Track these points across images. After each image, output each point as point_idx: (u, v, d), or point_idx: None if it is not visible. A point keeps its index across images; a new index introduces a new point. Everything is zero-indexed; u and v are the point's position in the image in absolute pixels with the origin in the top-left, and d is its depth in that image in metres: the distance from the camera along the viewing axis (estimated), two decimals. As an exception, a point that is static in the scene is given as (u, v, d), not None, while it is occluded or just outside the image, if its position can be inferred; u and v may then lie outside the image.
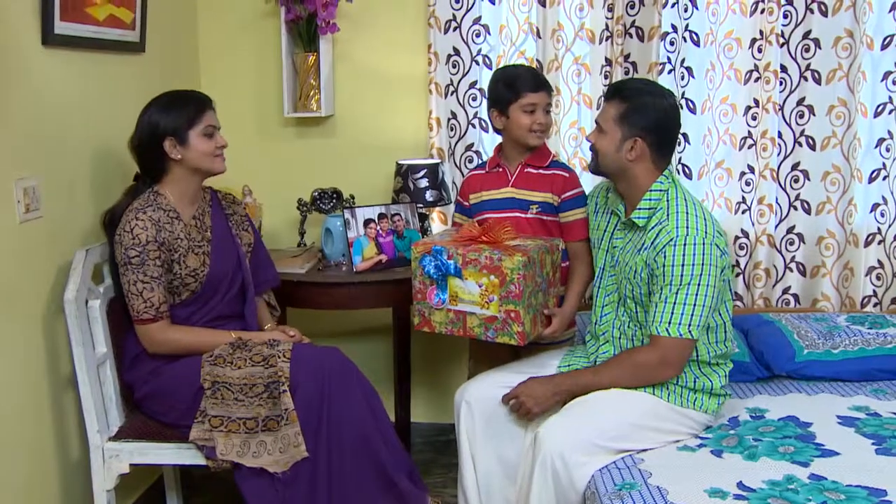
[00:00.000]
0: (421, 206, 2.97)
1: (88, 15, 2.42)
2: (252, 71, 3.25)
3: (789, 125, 2.99)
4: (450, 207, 3.08)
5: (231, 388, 2.23)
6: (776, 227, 3.05)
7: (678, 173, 3.07)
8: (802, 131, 2.99)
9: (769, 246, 3.05)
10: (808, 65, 2.95)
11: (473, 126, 3.14)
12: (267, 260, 2.66)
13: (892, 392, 2.50)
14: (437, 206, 3.04)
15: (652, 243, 2.15)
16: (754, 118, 3.00)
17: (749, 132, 3.03)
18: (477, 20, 3.08)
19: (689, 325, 2.08)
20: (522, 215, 2.48)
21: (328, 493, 2.23)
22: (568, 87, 3.11)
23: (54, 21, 2.26)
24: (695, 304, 2.08)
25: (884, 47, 2.92)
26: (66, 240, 2.34)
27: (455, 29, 3.08)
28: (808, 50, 2.93)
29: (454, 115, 3.14)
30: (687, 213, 2.16)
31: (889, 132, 2.95)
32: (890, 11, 2.89)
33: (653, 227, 2.18)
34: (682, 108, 3.02)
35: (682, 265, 2.09)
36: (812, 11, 2.91)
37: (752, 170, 3.04)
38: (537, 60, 3.07)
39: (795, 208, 3.04)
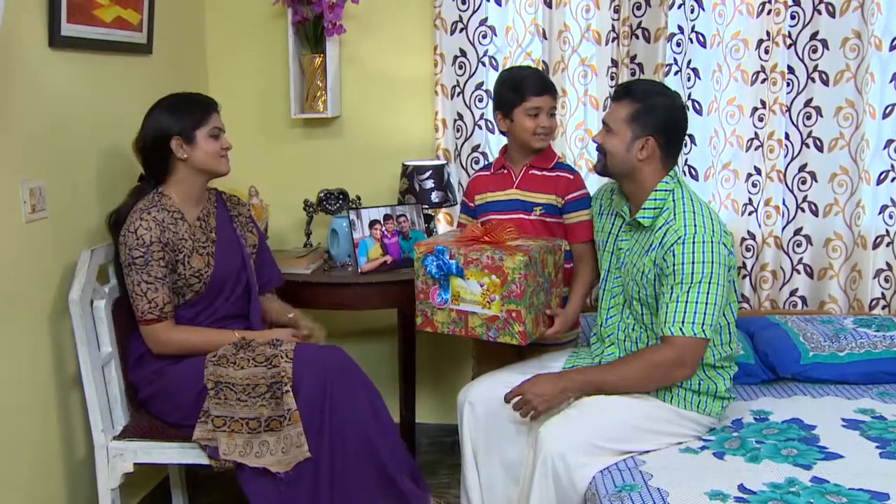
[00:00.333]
0: (426, 207, 2.97)
1: (95, 17, 2.44)
2: (259, 72, 3.27)
3: (797, 126, 2.98)
4: (455, 208, 3.08)
5: (234, 389, 2.24)
6: (783, 228, 3.04)
7: (684, 174, 3.06)
8: (810, 133, 2.97)
9: (776, 248, 3.03)
10: (816, 66, 2.93)
11: (480, 127, 3.14)
12: (270, 260, 2.67)
13: (899, 395, 2.49)
14: (443, 207, 3.04)
15: (660, 243, 2.15)
16: (761, 119, 2.99)
17: (756, 133, 3.01)
18: (483, 21, 3.08)
19: (703, 325, 2.07)
20: (526, 217, 2.49)
21: (330, 494, 2.24)
22: (574, 89, 3.10)
23: (61, 23, 2.28)
24: (706, 303, 2.07)
25: (892, 48, 2.90)
26: (71, 240, 2.35)
27: (461, 30, 3.09)
28: (815, 51, 2.92)
29: (460, 117, 3.15)
30: (694, 212, 2.15)
31: (897, 134, 2.93)
32: (898, 12, 2.88)
33: (660, 227, 2.17)
34: (688, 109, 3.02)
35: (693, 263, 2.08)
36: (820, 12, 2.89)
37: (758, 171, 3.02)
38: (543, 62, 3.07)
39: (803, 210, 3.02)
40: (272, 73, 3.24)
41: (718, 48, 3.00)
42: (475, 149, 3.16)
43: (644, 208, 2.20)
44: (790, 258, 3.05)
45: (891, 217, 2.97)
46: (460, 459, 2.39)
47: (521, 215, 2.48)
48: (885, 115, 2.94)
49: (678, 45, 2.97)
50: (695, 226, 2.11)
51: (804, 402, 2.45)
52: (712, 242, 2.08)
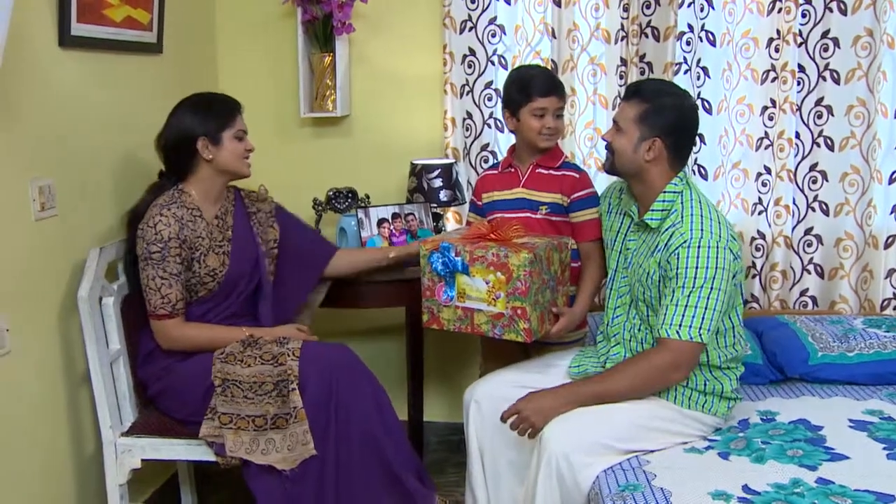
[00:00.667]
0: (435, 205, 2.98)
1: (105, 16, 2.46)
2: (269, 71, 3.28)
3: (807, 125, 2.96)
4: (464, 207, 3.09)
5: (241, 386, 2.25)
6: (793, 228, 3.02)
7: (694, 174, 3.05)
8: (821, 132, 2.95)
9: (786, 247, 3.02)
10: (827, 64, 2.91)
11: (489, 126, 3.14)
12: (318, 237, 2.71)
13: (908, 396, 2.47)
14: (452, 205, 3.04)
15: (665, 245, 2.14)
16: (771, 118, 2.98)
17: (766, 133, 3.00)
18: (492, 20, 3.08)
19: (700, 329, 2.06)
20: (532, 216, 2.48)
21: (336, 492, 2.25)
22: (583, 88, 3.10)
23: (71, 23, 2.30)
24: (706, 308, 2.06)
25: (904, 46, 2.88)
26: (81, 238, 2.37)
27: (470, 29, 3.09)
28: (826, 49, 2.90)
29: (469, 116, 3.15)
30: (701, 215, 2.14)
31: (910, 132, 2.91)
32: (912, 10, 2.85)
33: (666, 229, 2.16)
34: (698, 108, 3.00)
35: (696, 267, 2.07)
36: (831, 10, 2.87)
37: (768, 171, 3.01)
38: (552, 61, 3.06)
39: (813, 209, 3.00)
40: (282, 73, 3.26)
41: (728, 47, 2.99)
42: (484, 148, 3.16)
43: (652, 210, 2.20)
44: (801, 258, 3.03)
45: (902, 216, 2.95)
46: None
47: (528, 214, 2.48)
48: (897, 114, 2.92)
49: (688, 43, 2.96)
50: (701, 230, 2.10)
51: (812, 402, 2.44)
52: (718, 247, 2.07)
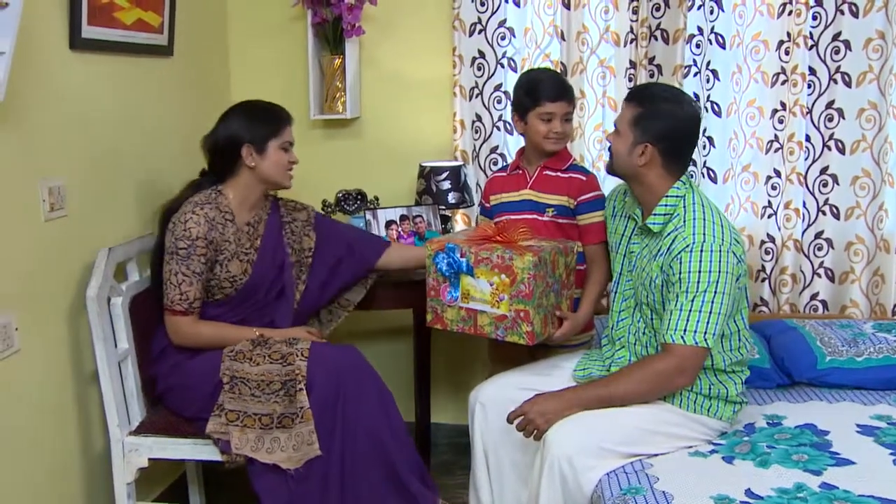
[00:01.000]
0: (443, 207, 2.99)
1: (116, 19, 2.48)
2: (279, 73, 3.30)
3: (818, 129, 2.94)
4: (472, 210, 3.10)
5: (248, 384, 2.27)
6: (803, 232, 3.00)
7: (703, 177, 3.04)
8: (831, 135, 2.93)
9: (795, 251, 3.00)
10: (838, 67, 2.89)
11: (498, 129, 3.15)
12: (361, 239, 2.70)
13: (918, 402, 2.45)
14: (460, 208, 3.05)
15: (668, 249, 2.13)
16: (781, 121, 2.96)
17: (776, 136, 2.98)
18: (502, 23, 3.09)
19: (705, 334, 2.05)
20: (539, 217, 2.48)
21: (340, 492, 2.26)
22: (593, 90, 3.09)
23: (81, 26, 2.32)
24: (710, 312, 2.05)
25: (917, 49, 2.86)
26: (90, 239, 2.39)
27: (480, 32, 3.09)
28: (837, 52, 2.88)
29: (479, 118, 3.15)
30: (704, 219, 2.13)
31: (922, 136, 2.89)
32: (924, 12, 2.83)
33: (669, 234, 2.15)
34: (707, 111, 3.00)
35: (699, 272, 2.06)
36: (842, 13, 2.86)
37: (778, 174, 2.99)
38: (562, 63, 3.07)
39: (824, 213, 2.98)
40: (292, 75, 3.28)
41: (738, 49, 2.98)
42: (493, 150, 3.16)
43: (654, 214, 2.19)
44: (811, 262, 3.01)
45: (914, 220, 2.93)
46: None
47: (535, 216, 2.48)
48: (908, 117, 2.90)
49: (697, 46, 2.95)
50: (703, 234, 2.09)
51: (819, 407, 2.42)
52: (720, 251, 2.06)
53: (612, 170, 2.28)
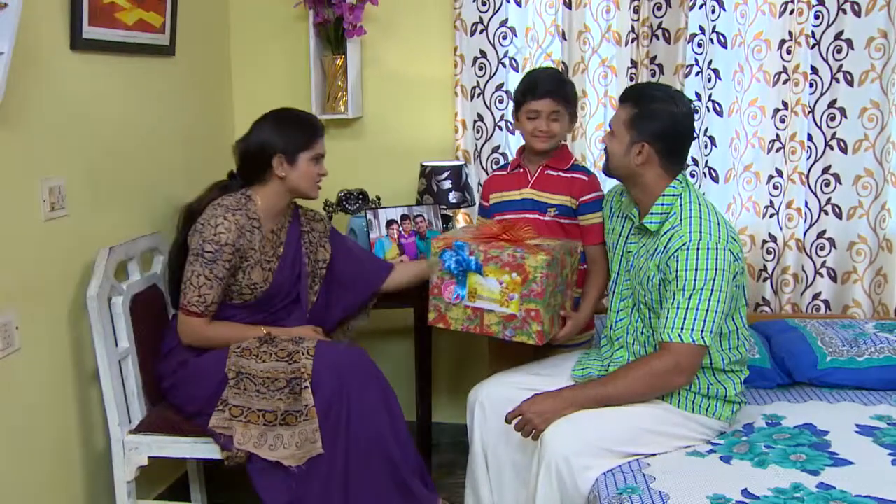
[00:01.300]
0: (444, 207, 2.99)
1: (117, 20, 2.49)
2: (282, 73, 3.31)
3: (820, 128, 2.93)
4: (474, 209, 3.09)
5: (254, 380, 2.27)
6: (805, 231, 2.99)
7: (705, 176, 3.04)
8: (834, 134, 2.93)
9: (797, 250, 2.99)
10: (840, 66, 2.88)
11: (500, 128, 3.15)
12: (366, 263, 2.69)
13: (919, 402, 2.44)
14: (461, 207, 3.05)
15: (665, 248, 2.13)
16: (783, 121, 2.95)
17: (777, 135, 2.98)
18: (503, 22, 3.09)
19: (702, 332, 2.05)
20: (541, 217, 2.49)
21: (342, 491, 2.26)
22: (594, 89, 3.09)
23: (82, 26, 2.33)
24: (707, 310, 2.05)
25: (919, 48, 2.85)
26: (91, 238, 2.40)
27: (481, 31, 3.10)
28: (840, 51, 2.87)
29: (480, 118, 3.16)
30: (700, 217, 2.13)
31: (924, 135, 2.88)
32: (927, 11, 2.82)
33: (665, 232, 2.15)
34: (708, 110, 3.00)
35: (696, 269, 2.06)
36: (845, 12, 2.85)
37: (780, 173, 2.99)
38: (563, 63, 3.06)
39: (826, 212, 2.98)
40: (294, 74, 3.29)
41: (740, 49, 2.97)
42: (495, 150, 3.17)
43: (651, 213, 2.19)
44: (813, 261, 3.00)
45: (917, 220, 2.92)
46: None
47: (536, 215, 2.48)
48: (910, 117, 2.89)
49: (699, 45, 2.95)
50: (700, 232, 2.09)
51: (819, 407, 2.41)
52: (717, 249, 2.06)
53: (608, 171, 2.28)
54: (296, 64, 3.27)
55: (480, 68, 3.13)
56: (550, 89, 2.43)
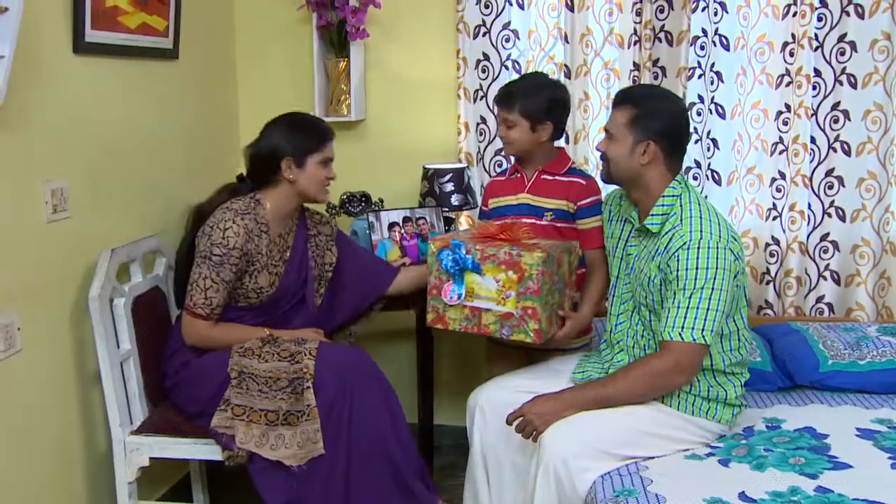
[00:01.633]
0: (446, 209, 2.99)
1: (120, 23, 2.51)
2: (286, 76, 3.33)
3: (823, 130, 2.92)
4: (476, 212, 3.10)
5: (256, 380, 2.29)
6: (809, 234, 2.98)
7: (708, 179, 3.03)
8: (837, 136, 2.91)
9: (800, 253, 2.98)
10: (844, 68, 2.87)
11: (502, 131, 3.15)
12: (373, 265, 2.72)
13: (921, 405, 2.43)
14: (463, 210, 3.06)
15: (665, 248, 2.13)
16: (786, 123, 2.95)
17: (780, 137, 2.97)
18: (506, 25, 3.09)
19: (703, 330, 2.05)
20: (538, 222, 2.49)
21: (343, 491, 2.27)
22: (597, 92, 3.10)
23: (85, 29, 2.35)
24: (708, 309, 2.05)
25: (923, 50, 2.84)
26: (93, 240, 2.42)
27: (484, 34, 3.10)
28: (843, 53, 2.87)
29: (483, 120, 3.16)
30: (700, 217, 2.13)
31: (927, 138, 2.86)
32: (929, 13, 2.81)
33: (666, 233, 2.15)
34: (711, 112, 3.00)
35: (696, 269, 2.06)
36: (848, 14, 2.84)
37: (783, 176, 2.98)
38: (566, 65, 3.07)
39: (829, 215, 2.97)
40: (298, 77, 3.30)
41: (743, 51, 2.97)
42: (498, 152, 3.17)
43: (652, 214, 2.19)
44: (817, 264, 2.99)
45: (921, 223, 2.90)
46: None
47: (533, 220, 2.48)
48: (914, 119, 2.87)
49: (702, 48, 2.95)
50: (700, 231, 2.09)
51: (820, 410, 2.41)
52: (717, 248, 2.06)
53: (608, 177, 2.28)
54: (299, 67, 3.29)
55: (483, 71, 3.13)
56: (498, 98, 2.49)
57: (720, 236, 2.09)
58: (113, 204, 2.54)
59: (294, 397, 2.26)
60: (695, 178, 3.01)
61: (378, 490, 2.30)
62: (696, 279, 2.05)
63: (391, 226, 2.88)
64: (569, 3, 3.01)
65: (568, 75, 3.05)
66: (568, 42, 3.05)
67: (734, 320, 2.19)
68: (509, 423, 2.18)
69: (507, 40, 3.10)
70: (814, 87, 2.91)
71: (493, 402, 2.33)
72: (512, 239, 2.26)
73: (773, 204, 3.01)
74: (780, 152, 2.97)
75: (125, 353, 2.41)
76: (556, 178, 2.49)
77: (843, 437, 2.19)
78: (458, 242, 2.24)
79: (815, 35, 2.88)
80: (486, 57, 3.12)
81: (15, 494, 2.14)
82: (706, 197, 3.01)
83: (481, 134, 3.17)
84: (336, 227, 2.70)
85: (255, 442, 2.25)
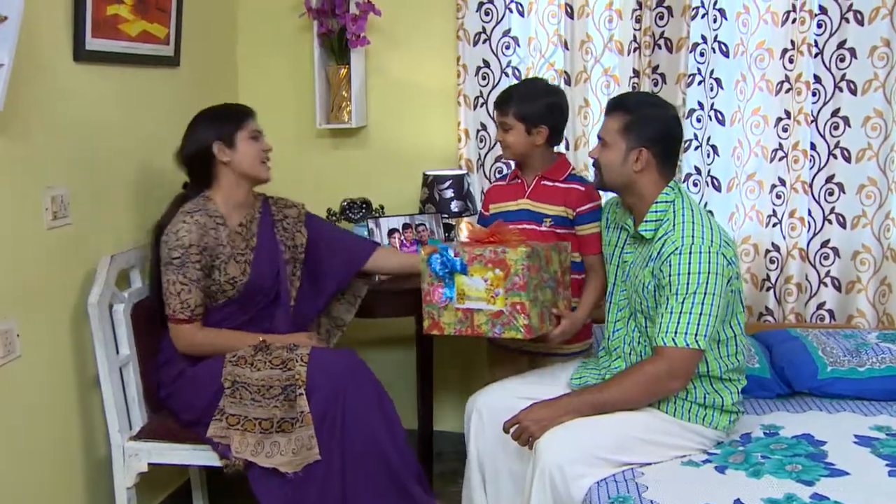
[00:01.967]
0: (446, 216, 3.00)
1: (120, 31, 2.52)
2: (287, 83, 3.35)
3: (823, 137, 2.92)
4: (475, 218, 3.10)
5: (249, 389, 2.29)
6: (809, 241, 2.98)
7: (707, 185, 3.03)
8: (837, 143, 2.91)
9: (801, 260, 2.98)
10: (844, 75, 2.87)
11: (503, 137, 3.16)
12: (348, 241, 2.73)
13: (920, 413, 2.42)
14: (463, 216, 3.06)
15: (658, 253, 2.14)
16: (785, 130, 2.94)
17: (780, 144, 2.97)
18: (506, 32, 3.10)
19: (696, 335, 2.05)
20: (537, 228, 2.49)
21: (340, 496, 2.27)
22: (597, 99, 3.10)
23: (85, 37, 2.37)
24: (701, 314, 2.05)
25: (922, 56, 2.83)
26: (93, 246, 2.43)
27: (484, 41, 3.11)
28: (843, 60, 2.86)
29: (483, 127, 3.17)
30: (693, 222, 2.13)
31: (927, 144, 2.86)
32: (929, 20, 2.80)
33: (659, 238, 2.16)
34: (710, 119, 3.00)
35: (689, 273, 2.06)
36: (847, 20, 2.84)
37: (783, 182, 2.97)
38: (566, 72, 3.07)
39: (830, 222, 2.96)
40: (299, 84, 3.31)
41: (742, 57, 2.97)
42: (498, 159, 3.17)
43: (646, 220, 2.20)
44: (817, 271, 2.99)
45: (921, 229, 2.89)
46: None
47: (533, 226, 2.49)
48: (914, 125, 2.87)
49: (701, 54, 2.95)
50: (692, 236, 2.09)
51: (818, 417, 2.40)
52: (709, 253, 2.06)
53: (601, 184, 2.29)
54: (300, 74, 3.30)
55: (483, 78, 3.14)
56: (496, 101, 2.53)
57: (712, 241, 2.09)
58: (113, 211, 2.55)
59: (287, 404, 2.27)
60: (695, 185, 3.01)
61: (374, 491, 2.30)
62: (688, 284, 2.05)
63: (391, 232, 2.89)
64: (569, 10, 3.02)
65: (568, 82, 3.05)
66: (568, 49, 3.06)
67: (730, 326, 2.19)
68: (506, 430, 2.18)
69: (508, 47, 3.11)
70: (813, 94, 2.90)
71: (491, 406, 2.33)
72: (501, 241, 2.27)
73: (773, 210, 3.00)
74: (780, 159, 2.97)
75: (124, 359, 2.43)
76: (556, 184, 2.50)
77: (840, 444, 2.19)
78: (446, 246, 2.27)
79: (815, 41, 2.87)
80: (487, 64, 3.13)
81: (15, 499, 2.16)
82: (705, 203, 3.02)
83: (481, 141, 3.18)
84: (305, 210, 2.70)
85: (250, 451, 2.26)
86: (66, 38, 2.33)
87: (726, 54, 2.98)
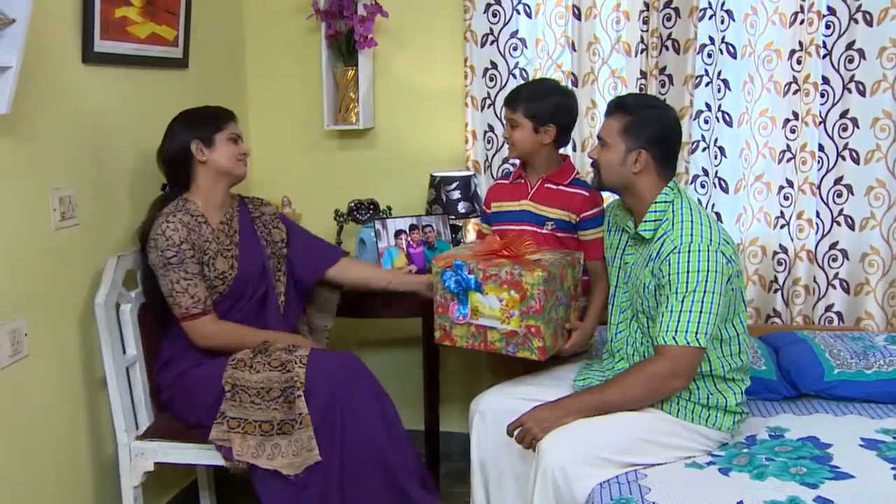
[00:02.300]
0: (453, 217, 3.00)
1: (129, 33, 2.54)
2: (295, 84, 3.36)
3: (832, 138, 2.91)
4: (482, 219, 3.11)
5: (249, 392, 2.30)
6: (817, 243, 2.96)
7: (715, 186, 3.02)
8: (846, 144, 2.90)
9: (808, 262, 2.97)
10: (852, 76, 2.86)
11: (510, 139, 3.16)
12: (319, 242, 2.75)
13: (928, 416, 2.40)
14: (470, 217, 3.07)
15: (657, 253, 2.14)
16: (793, 131, 2.93)
17: (788, 145, 2.96)
18: (514, 34, 3.10)
19: (697, 333, 2.05)
20: (539, 230, 2.49)
21: (340, 497, 2.28)
22: (604, 100, 3.09)
23: (94, 40, 2.39)
24: (701, 312, 2.05)
25: (931, 57, 2.81)
26: (102, 247, 2.46)
27: (492, 43, 3.11)
28: (851, 61, 2.85)
29: (491, 128, 3.17)
30: (692, 221, 2.14)
31: (937, 146, 2.84)
32: (939, 20, 2.79)
33: (658, 238, 2.16)
34: (718, 120, 2.99)
35: (688, 272, 2.06)
36: (856, 21, 2.82)
37: (790, 184, 2.96)
38: (573, 73, 3.07)
39: (838, 223, 2.94)
40: (307, 86, 3.33)
41: (750, 59, 2.96)
42: (505, 160, 3.18)
43: (645, 221, 2.20)
44: (825, 273, 2.97)
45: (931, 231, 2.88)
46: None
47: (534, 228, 2.49)
48: (924, 127, 2.85)
49: (709, 56, 2.94)
50: (691, 235, 2.09)
51: (825, 420, 2.39)
52: (708, 251, 2.06)
53: (601, 185, 2.29)
54: (308, 75, 3.32)
55: (491, 79, 3.15)
56: (507, 98, 2.52)
57: (711, 239, 2.09)
58: (120, 212, 2.57)
59: (286, 406, 2.28)
60: (702, 186, 3.01)
61: (375, 495, 2.31)
62: (687, 282, 2.05)
63: (397, 233, 2.90)
64: (576, 11, 3.02)
65: (575, 83, 3.05)
66: (575, 50, 3.06)
67: (732, 325, 2.19)
68: (510, 433, 2.18)
69: (515, 49, 3.11)
70: (822, 95, 2.89)
71: (494, 408, 2.33)
72: (514, 255, 2.27)
73: (781, 212, 2.99)
74: (788, 160, 2.96)
75: (131, 359, 2.44)
76: (560, 187, 2.50)
77: (846, 447, 2.18)
78: (461, 263, 2.26)
79: (823, 42, 2.86)
80: (494, 65, 3.13)
81: (23, 498, 2.17)
82: (713, 205, 3.01)
83: (489, 142, 3.18)
84: (278, 210, 2.73)
85: (251, 453, 2.26)
86: (74, 41, 2.35)
87: (734, 55, 2.97)
